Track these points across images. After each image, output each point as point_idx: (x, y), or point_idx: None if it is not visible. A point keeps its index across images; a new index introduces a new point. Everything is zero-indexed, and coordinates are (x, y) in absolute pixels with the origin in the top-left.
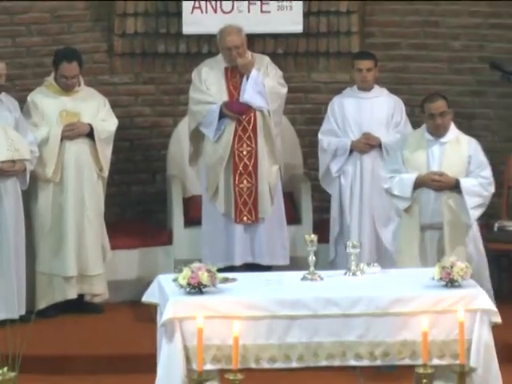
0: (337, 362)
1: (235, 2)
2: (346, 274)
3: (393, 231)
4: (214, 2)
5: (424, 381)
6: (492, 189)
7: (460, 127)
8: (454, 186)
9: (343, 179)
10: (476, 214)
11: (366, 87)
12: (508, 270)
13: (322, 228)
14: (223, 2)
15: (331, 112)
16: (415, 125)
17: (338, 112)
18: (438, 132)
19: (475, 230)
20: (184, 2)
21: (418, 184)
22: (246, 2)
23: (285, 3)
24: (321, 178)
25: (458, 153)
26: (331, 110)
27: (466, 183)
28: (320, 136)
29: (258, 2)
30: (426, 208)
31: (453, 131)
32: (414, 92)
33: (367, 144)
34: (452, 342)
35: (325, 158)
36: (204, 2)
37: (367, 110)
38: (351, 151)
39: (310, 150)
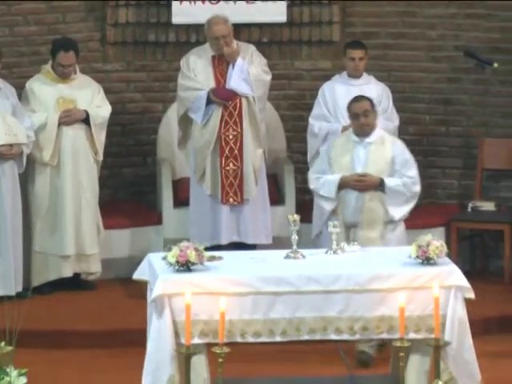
0: (318, 337)
1: None
2: (327, 252)
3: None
4: None
5: (401, 354)
6: (417, 188)
7: (436, 113)
8: (379, 185)
9: None
10: (400, 212)
11: (356, 75)
12: (481, 249)
13: (304, 208)
14: None
15: (322, 97)
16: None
17: (329, 98)
18: (362, 132)
19: (401, 228)
20: None
21: (342, 185)
22: None
23: None
24: (309, 160)
25: (383, 153)
26: (322, 95)
27: (390, 183)
28: (311, 121)
29: None
30: (349, 207)
31: (378, 132)
32: (393, 79)
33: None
34: (427, 317)
35: (315, 142)
36: None
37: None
38: None
39: (293, 135)
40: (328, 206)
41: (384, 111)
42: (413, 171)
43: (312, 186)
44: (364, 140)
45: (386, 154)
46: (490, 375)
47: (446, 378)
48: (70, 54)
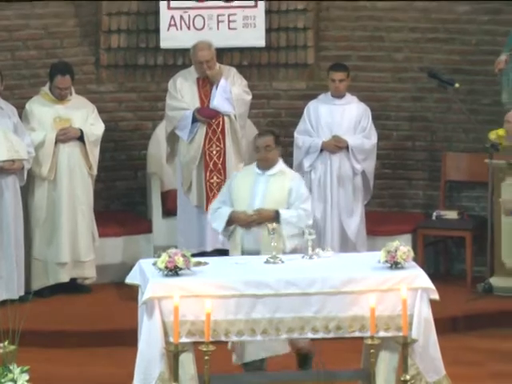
0: (296, 335)
1: (206, 20)
2: (303, 257)
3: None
4: (187, 20)
5: (372, 351)
6: (310, 221)
7: (403, 129)
8: (275, 217)
9: (313, 174)
10: (292, 243)
11: (338, 95)
12: (444, 254)
13: None
14: (195, 19)
15: (307, 114)
16: None
17: (313, 115)
18: (262, 165)
19: None
20: (161, 20)
21: (232, 221)
22: (216, 19)
23: (249, 21)
24: (294, 169)
25: (281, 185)
26: (307, 112)
27: (284, 214)
28: (296, 135)
29: (226, 20)
30: (248, 236)
31: (279, 165)
32: (363, 98)
33: (336, 146)
34: (396, 317)
35: (299, 154)
36: (179, 19)
37: (338, 115)
38: (322, 150)
39: None
40: (221, 237)
41: (363, 130)
42: (307, 204)
43: (208, 216)
44: (265, 173)
45: (285, 186)
46: (454, 370)
47: (413, 372)
48: (66, 77)
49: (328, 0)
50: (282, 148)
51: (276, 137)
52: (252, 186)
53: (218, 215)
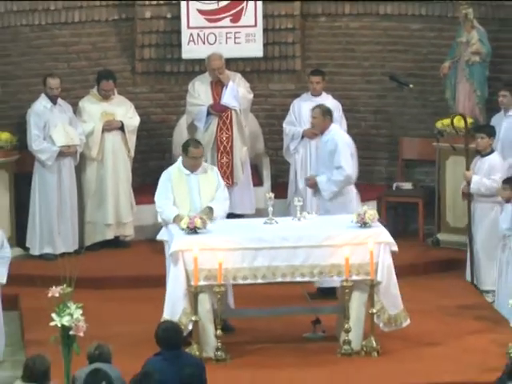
0: (288, 279)
1: (217, 36)
2: (293, 219)
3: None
4: (202, 37)
5: (346, 290)
6: (227, 208)
7: (369, 120)
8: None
9: (297, 155)
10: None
11: (316, 94)
12: (402, 216)
13: (277, 189)
14: (209, 36)
15: (292, 109)
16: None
17: (296, 110)
18: (194, 169)
19: None
20: (182, 37)
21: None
22: (225, 36)
23: (251, 37)
24: (283, 153)
25: (210, 181)
26: (292, 108)
27: (217, 209)
28: (284, 125)
29: (232, 37)
30: None
31: (203, 166)
32: (338, 96)
33: (313, 133)
34: (365, 264)
35: (286, 140)
36: (196, 36)
37: None
38: (303, 137)
39: (269, 137)
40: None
41: (335, 120)
42: (226, 192)
43: (159, 209)
44: (194, 172)
45: (212, 181)
46: (409, 305)
47: (378, 307)
48: (109, 81)
49: (311, 22)
50: (274, 136)
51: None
52: (187, 183)
53: (165, 212)
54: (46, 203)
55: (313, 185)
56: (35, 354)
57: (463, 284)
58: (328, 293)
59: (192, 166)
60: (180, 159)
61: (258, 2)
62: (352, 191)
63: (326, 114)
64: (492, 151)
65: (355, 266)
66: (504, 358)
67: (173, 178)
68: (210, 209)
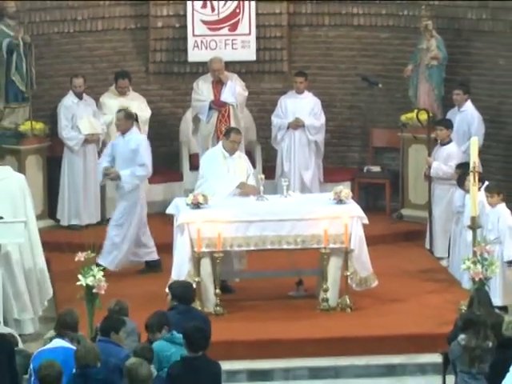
0: (276, 246)
1: (218, 43)
2: (280, 197)
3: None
4: (205, 43)
5: (325, 256)
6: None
7: (344, 114)
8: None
9: (283, 143)
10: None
11: (299, 92)
12: (371, 194)
13: (267, 171)
14: (211, 42)
15: (280, 105)
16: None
17: (283, 105)
18: (232, 152)
19: None
20: (188, 43)
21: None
22: (224, 43)
23: (245, 44)
24: (272, 141)
25: (243, 164)
26: (280, 103)
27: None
28: (272, 117)
29: (230, 43)
30: None
31: (238, 152)
32: (319, 94)
33: (297, 125)
34: (340, 235)
35: (274, 130)
36: (200, 42)
37: (299, 105)
38: (288, 128)
39: (260, 127)
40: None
41: (315, 114)
42: (254, 174)
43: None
44: (232, 155)
45: (244, 164)
46: (378, 268)
47: (351, 270)
48: (125, 80)
49: (296, 31)
50: (264, 127)
51: (241, 134)
52: (226, 164)
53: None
54: (73, 182)
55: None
56: (66, 309)
57: (422, 252)
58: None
59: (231, 149)
60: (221, 143)
61: (252, 14)
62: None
63: (128, 117)
64: (450, 141)
65: (332, 236)
66: (456, 313)
67: (217, 156)
68: (250, 185)
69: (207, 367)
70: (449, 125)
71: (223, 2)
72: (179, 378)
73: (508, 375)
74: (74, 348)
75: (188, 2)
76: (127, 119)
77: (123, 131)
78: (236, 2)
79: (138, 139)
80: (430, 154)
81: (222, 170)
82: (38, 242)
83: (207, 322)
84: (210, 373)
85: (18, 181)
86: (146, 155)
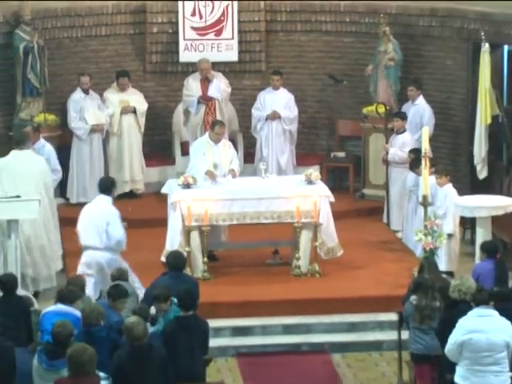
0: (255, 221)
1: (205, 46)
2: (259, 178)
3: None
4: (195, 46)
5: (297, 229)
6: (240, 167)
7: (314, 107)
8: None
9: (262, 132)
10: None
11: (275, 89)
12: (337, 176)
13: (247, 156)
14: (199, 45)
15: (258, 99)
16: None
17: (262, 99)
18: (217, 142)
19: None
20: (180, 46)
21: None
22: (210, 46)
23: (229, 47)
24: (252, 130)
25: (227, 151)
26: (259, 98)
27: (236, 169)
28: (252, 110)
29: (216, 46)
30: None
31: (223, 140)
32: (292, 89)
33: (274, 116)
34: (311, 211)
35: (254, 121)
36: (190, 45)
37: (276, 99)
38: (266, 119)
39: (241, 119)
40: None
41: (289, 107)
42: (238, 159)
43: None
44: (217, 144)
45: (229, 151)
46: (342, 240)
47: (320, 241)
48: (125, 78)
49: (273, 36)
50: (245, 118)
51: (225, 125)
52: (212, 152)
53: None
54: (81, 165)
55: None
56: (74, 275)
57: (381, 225)
58: None
59: (216, 140)
60: (207, 134)
61: (234, 22)
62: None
63: (35, 130)
64: (404, 131)
65: (303, 212)
66: (409, 278)
67: (204, 145)
68: (233, 170)
69: (197, 324)
70: (404, 116)
71: (210, 9)
72: (173, 334)
73: (454, 331)
74: (73, 311)
75: (180, 10)
76: (35, 132)
77: (33, 143)
78: (221, 11)
79: (48, 150)
80: (387, 142)
81: (208, 156)
82: (55, 217)
83: (196, 285)
84: (200, 329)
85: (39, 163)
86: (56, 162)
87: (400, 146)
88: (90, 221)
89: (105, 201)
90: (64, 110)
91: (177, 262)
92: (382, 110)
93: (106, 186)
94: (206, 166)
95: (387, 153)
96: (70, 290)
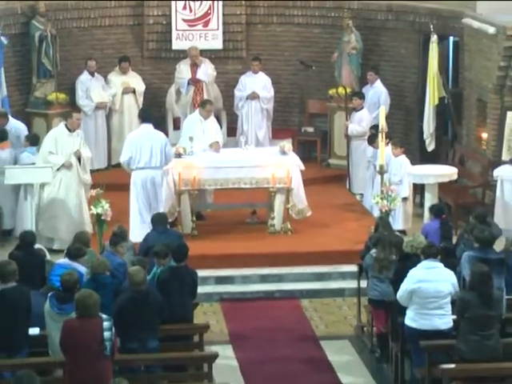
0: (236, 185)
1: (194, 35)
2: (240, 149)
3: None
4: (186, 35)
5: (272, 194)
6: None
7: (287, 89)
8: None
9: (243, 110)
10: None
11: (255, 72)
12: (307, 148)
13: (230, 131)
14: (189, 35)
15: (240, 82)
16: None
17: (243, 82)
18: (206, 118)
19: None
20: (173, 35)
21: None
22: (198, 35)
23: (215, 36)
24: (234, 108)
25: (213, 126)
26: (240, 81)
27: (220, 140)
28: (235, 91)
29: (203, 36)
30: None
31: (211, 117)
32: (269, 73)
33: (253, 96)
34: (284, 177)
35: (236, 101)
36: (181, 35)
37: (255, 82)
38: (247, 99)
39: (225, 99)
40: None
41: (266, 88)
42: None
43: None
44: (206, 120)
45: (215, 126)
46: (311, 202)
47: (291, 204)
48: (126, 63)
49: (252, 27)
50: (229, 98)
51: (212, 104)
52: (202, 126)
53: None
54: (87, 138)
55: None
56: (82, 230)
57: (344, 190)
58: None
59: (206, 116)
60: (197, 111)
61: (219, 15)
62: None
63: (4, 116)
64: (362, 108)
65: (278, 179)
66: (367, 235)
67: (196, 120)
68: (217, 142)
69: (187, 274)
70: (361, 96)
71: (199, 4)
72: (167, 282)
73: (405, 280)
74: (78, 267)
75: (172, 4)
76: (1, 117)
77: (1, 125)
78: (208, 6)
79: (19, 128)
80: (347, 119)
81: (199, 131)
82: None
83: (180, 237)
84: (190, 278)
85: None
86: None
87: (358, 122)
88: (142, 144)
89: (151, 127)
90: (73, 90)
91: (161, 220)
92: (342, 91)
93: (145, 115)
94: (207, 141)
95: (347, 128)
96: (77, 248)
